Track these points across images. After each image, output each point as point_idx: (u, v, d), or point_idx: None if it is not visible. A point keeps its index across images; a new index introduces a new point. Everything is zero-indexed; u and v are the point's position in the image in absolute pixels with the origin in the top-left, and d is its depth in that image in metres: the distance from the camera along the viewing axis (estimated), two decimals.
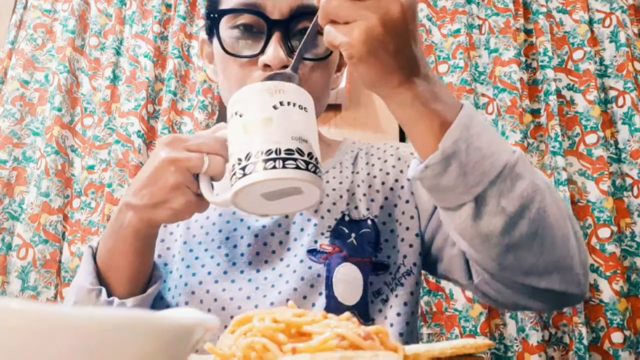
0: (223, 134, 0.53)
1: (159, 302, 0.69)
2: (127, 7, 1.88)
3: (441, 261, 0.69)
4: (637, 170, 1.54)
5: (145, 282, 0.62)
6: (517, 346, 1.42)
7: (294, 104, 0.49)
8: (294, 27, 0.64)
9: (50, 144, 1.68)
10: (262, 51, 0.63)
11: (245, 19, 0.66)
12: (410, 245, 0.69)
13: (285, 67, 0.63)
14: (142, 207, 0.54)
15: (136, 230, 0.56)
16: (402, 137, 1.67)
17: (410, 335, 0.67)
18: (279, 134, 0.47)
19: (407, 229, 0.69)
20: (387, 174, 0.73)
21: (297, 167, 0.46)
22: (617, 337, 1.38)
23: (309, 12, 0.60)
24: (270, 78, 0.57)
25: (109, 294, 0.59)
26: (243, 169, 0.47)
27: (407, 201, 0.71)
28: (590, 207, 1.51)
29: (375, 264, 0.66)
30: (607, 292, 1.43)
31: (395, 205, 0.71)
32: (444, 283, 1.49)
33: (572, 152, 1.59)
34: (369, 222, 0.69)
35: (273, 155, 0.46)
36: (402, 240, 0.69)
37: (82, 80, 1.83)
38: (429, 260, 0.71)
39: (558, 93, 1.63)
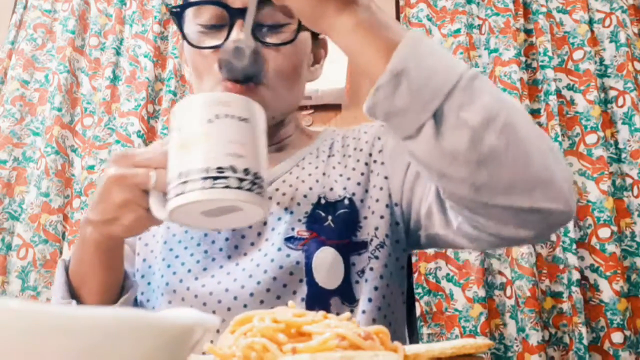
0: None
1: (145, 305, 0.69)
2: (127, 7, 1.88)
3: (421, 222, 0.67)
4: (637, 170, 1.54)
5: (117, 292, 0.62)
6: (517, 346, 1.42)
7: (232, 116, 0.46)
8: (256, 16, 0.63)
9: (50, 144, 1.68)
10: (225, 40, 0.63)
11: (208, 11, 0.66)
12: (381, 217, 0.68)
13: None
14: (97, 223, 0.54)
15: (97, 244, 0.57)
16: None
17: (387, 309, 0.66)
18: (212, 151, 0.45)
19: (377, 200, 0.68)
20: (361, 150, 0.73)
21: (227, 187, 0.44)
22: (617, 337, 1.39)
23: None
24: (228, 54, 0.58)
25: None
26: (176, 187, 0.45)
27: (378, 174, 0.70)
28: (590, 207, 1.51)
29: (355, 243, 0.66)
30: (607, 292, 1.43)
31: (369, 181, 0.70)
32: (444, 283, 1.49)
33: (572, 152, 1.59)
34: (346, 201, 0.68)
35: (203, 175, 0.44)
36: (373, 212, 0.68)
37: (82, 80, 1.83)
38: (411, 231, 0.69)
39: (558, 93, 1.63)
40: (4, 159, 1.71)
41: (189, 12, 0.68)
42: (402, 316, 0.72)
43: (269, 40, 0.65)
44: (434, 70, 0.48)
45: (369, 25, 0.49)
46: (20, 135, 1.76)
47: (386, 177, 0.70)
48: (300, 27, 0.65)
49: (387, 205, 0.68)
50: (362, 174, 0.71)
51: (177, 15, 0.67)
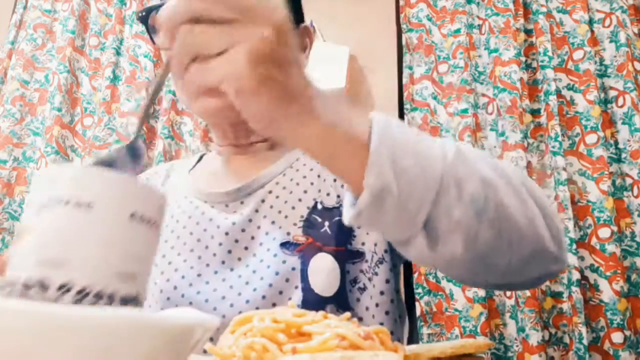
0: None
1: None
2: (127, 7, 1.88)
3: None
4: (637, 170, 1.54)
5: None
6: (517, 346, 1.42)
7: (66, 202, 0.32)
8: None
9: (50, 144, 1.68)
10: None
11: None
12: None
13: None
14: None
15: None
16: None
17: (393, 323, 0.65)
18: (24, 257, 0.31)
19: None
20: None
21: None
22: (617, 337, 1.38)
23: None
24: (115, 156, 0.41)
25: None
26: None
27: None
28: (590, 207, 1.51)
29: (350, 252, 0.64)
30: (607, 292, 1.43)
31: None
32: (444, 283, 1.49)
33: (572, 152, 1.59)
34: (341, 209, 0.66)
35: (7, 289, 0.30)
36: None
37: (82, 80, 1.83)
38: None
39: (558, 93, 1.63)
40: (4, 159, 1.71)
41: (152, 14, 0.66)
42: (411, 324, 0.71)
43: None
44: (415, 174, 0.43)
45: (332, 122, 0.42)
46: (20, 135, 1.76)
47: None
48: None
49: None
50: None
51: (144, 20, 0.66)
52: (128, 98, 1.74)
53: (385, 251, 0.66)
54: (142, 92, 0.45)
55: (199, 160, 0.80)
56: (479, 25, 1.77)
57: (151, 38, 0.67)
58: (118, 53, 1.82)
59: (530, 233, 0.48)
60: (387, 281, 0.65)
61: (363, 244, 0.66)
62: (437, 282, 1.50)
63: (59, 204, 0.32)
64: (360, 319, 0.63)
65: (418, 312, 1.46)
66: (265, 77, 0.38)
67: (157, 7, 0.65)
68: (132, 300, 0.30)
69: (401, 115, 1.72)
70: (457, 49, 1.71)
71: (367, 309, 0.63)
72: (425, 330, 1.46)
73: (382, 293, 0.64)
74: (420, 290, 1.49)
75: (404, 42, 1.78)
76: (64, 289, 0.30)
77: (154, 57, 1.79)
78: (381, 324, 0.63)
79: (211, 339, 0.56)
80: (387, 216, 0.43)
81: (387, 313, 0.65)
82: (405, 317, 0.73)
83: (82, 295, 0.29)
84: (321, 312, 0.33)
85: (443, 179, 0.43)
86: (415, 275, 1.50)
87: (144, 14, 0.65)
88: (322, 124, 0.41)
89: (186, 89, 0.65)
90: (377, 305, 0.64)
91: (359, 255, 0.65)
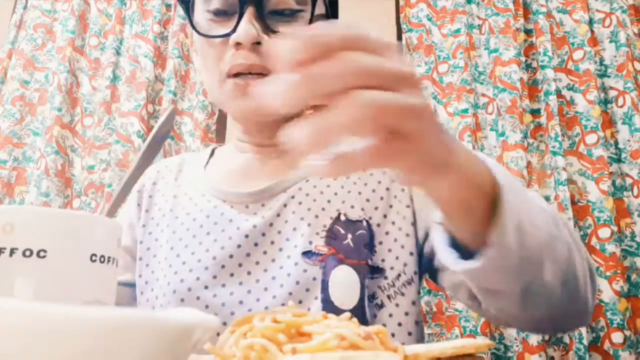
0: None
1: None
2: (127, 7, 1.88)
3: (443, 275, 0.65)
4: (637, 170, 1.54)
5: None
6: (517, 346, 1.42)
7: (25, 252, 0.29)
8: (268, 3, 0.62)
9: (50, 144, 1.68)
10: (234, 29, 0.61)
11: (217, 1, 0.64)
12: (411, 254, 0.64)
13: (258, 43, 0.59)
14: None
15: None
16: None
17: (406, 338, 0.64)
18: None
19: (407, 235, 0.65)
20: (384, 172, 0.70)
21: None
22: (617, 337, 1.38)
23: None
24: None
25: None
26: None
27: (408, 206, 0.67)
28: (590, 207, 1.51)
29: (371, 267, 0.63)
30: (607, 292, 1.43)
31: (391, 206, 0.67)
32: None
33: (572, 152, 1.59)
34: (364, 222, 0.65)
35: None
36: (403, 247, 0.65)
37: (82, 80, 1.83)
38: (432, 269, 0.67)
39: (558, 93, 1.63)
40: (4, 159, 1.71)
41: (198, 0, 0.66)
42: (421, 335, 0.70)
43: (281, 29, 0.62)
44: (532, 238, 0.42)
45: (468, 183, 0.40)
46: (20, 135, 1.76)
47: (414, 212, 0.67)
48: (314, 15, 0.63)
49: (416, 242, 0.65)
50: (382, 198, 0.67)
51: (186, 2, 0.65)
52: (128, 98, 1.74)
53: (415, 273, 0.65)
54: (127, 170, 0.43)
55: (211, 155, 0.78)
56: (479, 25, 1.77)
57: (191, 22, 0.65)
58: (118, 53, 1.82)
59: (582, 288, 0.50)
60: (414, 303, 0.64)
61: (383, 260, 0.64)
62: None
63: (12, 255, 0.29)
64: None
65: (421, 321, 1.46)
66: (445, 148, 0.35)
67: None
68: None
69: None
70: (457, 49, 1.71)
71: (385, 326, 0.61)
72: (425, 330, 1.45)
73: (406, 314, 0.63)
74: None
75: (404, 42, 1.78)
76: None
77: (154, 57, 1.79)
78: (402, 344, 0.63)
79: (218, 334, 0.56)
80: (496, 276, 0.43)
81: (409, 334, 0.63)
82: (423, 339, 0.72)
83: None
84: (321, 312, 0.33)
85: (549, 246, 0.44)
86: None
87: None
88: (458, 176, 0.38)
89: (229, 90, 0.63)
90: (399, 324, 0.62)
91: (379, 271, 0.63)
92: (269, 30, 0.60)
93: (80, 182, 1.68)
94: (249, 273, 0.62)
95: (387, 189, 0.68)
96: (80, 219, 0.31)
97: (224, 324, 0.59)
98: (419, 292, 0.66)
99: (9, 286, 0.29)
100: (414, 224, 0.66)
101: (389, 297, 0.63)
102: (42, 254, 0.29)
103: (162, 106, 1.74)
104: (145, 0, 1.88)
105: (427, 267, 0.67)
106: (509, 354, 1.43)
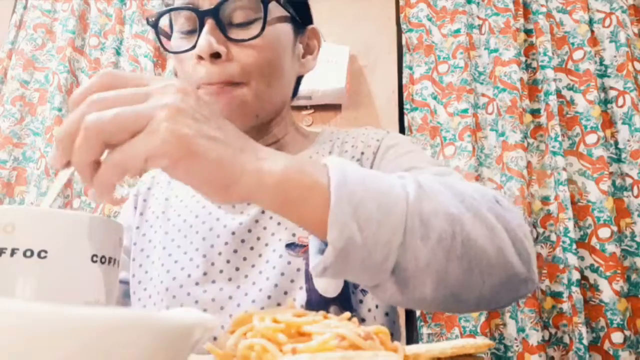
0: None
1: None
2: (127, 7, 1.88)
3: None
4: (637, 170, 1.54)
5: None
6: (517, 346, 1.42)
7: (26, 253, 0.30)
8: (225, 12, 0.63)
9: (50, 144, 1.68)
10: (196, 42, 0.62)
11: (181, 17, 0.66)
12: None
13: (217, 54, 0.61)
14: None
15: None
16: None
17: (392, 325, 0.66)
18: None
19: None
20: (358, 160, 0.72)
21: None
22: (617, 337, 1.38)
23: None
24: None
25: None
26: None
27: None
28: (590, 207, 1.51)
29: None
30: (607, 292, 1.43)
31: None
32: None
33: (572, 152, 1.59)
34: None
35: None
36: None
37: (82, 80, 1.83)
38: None
39: (558, 93, 1.63)
40: (4, 159, 1.71)
41: (171, 20, 0.68)
42: (398, 328, 0.71)
43: (235, 37, 0.64)
44: (378, 222, 0.41)
45: (290, 172, 0.40)
46: (20, 135, 1.76)
47: None
48: (266, 21, 0.64)
49: None
50: None
51: (154, 25, 0.67)
52: None
53: None
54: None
55: None
56: (479, 25, 1.77)
57: (161, 43, 0.68)
58: (118, 53, 1.82)
59: (500, 262, 0.47)
60: None
61: None
62: None
63: (13, 255, 0.30)
64: (362, 320, 0.63)
65: (418, 312, 1.46)
66: (195, 139, 0.35)
67: (163, 13, 0.66)
68: None
69: (401, 115, 1.72)
70: (457, 49, 1.71)
71: (369, 310, 0.64)
72: (425, 330, 1.45)
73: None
74: None
75: (404, 42, 1.78)
76: None
77: (154, 57, 1.79)
78: (382, 324, 0.64)
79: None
80: (354, 267, 0.41)
81: (386, 314, 0.66)
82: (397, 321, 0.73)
83: None
84: (321, 312, 0.33)
85: (407, 222, 0.42)
86: None
87: (153, 19, 0.66)
88: (278, 174, 0.39)
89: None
90: (376, 306, 0.64)
91: None
92: (229, 40, 0.62)
93: (80, 182, 1.68)
94: (237, 269, 0.65)
95: None
96: (82, 220, 0.31)
97: None
98: None
99: (10, 286, 0.29)
100: None
101: None
102: (43, 254, 0.30)
103: None
104: (145, 0, 1.88)
105: None
106: (509, 354, 1.43)
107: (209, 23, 0.62)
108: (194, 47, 0.62)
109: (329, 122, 1.74)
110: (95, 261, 0.31)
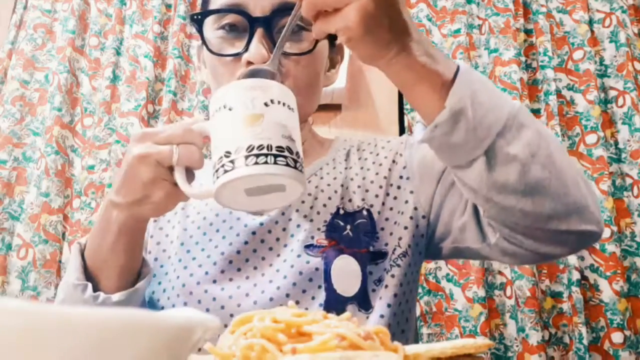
0: (200, 127, 0.53)
1: (155, 305, 0.69)
2: (127, 7, 1.88)
3: (449, 235, 0.70)
4: (637, 170, 1.54)
5: (134, 278, 0.62)
6: (517, 346, 1.42)
7: (283, 104, 0.49)
8: (276, 24, 0.65)
9: (50, 144, 1.68)
10: (246, 49, 0.64)
11: (228, 18, 0.67)
12: (405, 228, 0.69)
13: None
14: (125, 205, 0.54)
15: (123, 227, 0.57)
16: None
17: (402, 316, 0.67)
18: (271, 131, 0.47)
19: (401, 213, 0.70)
20: (380, 165, 0.75)
21: (287, 165, 0.47)
22: (617, 337, 1.38)
23: (291, 7, 0.59)
24: (251, 74, 0.57)
25: (95, 289, 0.59)
26: (232, 162, 0.47)
27: (399, 187, 0.72)
28: None
29: (373, 253, 0.67)
30: (607, 292, 1.43)
31: (388, 194, 0.72)
32: (444, 283, 1.49)
33: (572, 152, 1.59)
34: (364, 212, 0.70)
35: (265, 151, 0.46)
36: (396, 223, 0.69)
37: (82, 80, 1.83)
38: (433, 243, 0.72)
39: (558, 93, 1.63)
40: (4, 159, 1.71)
41: (209, 19, 0.69)
42: (415, 328, 0.73)
43: (288, 49, 0.66)
44: (487, 108, 0.52)
45: (422, 61, 0.52)
46: (20, 135, 1.76)
47: (412, 192, 0.71)
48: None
49: (411, 217, 0.70)
50: (381, 187, 0.72)
51: (198, 22, 0.68)
52: (128, 98, 1.74)
53: (409, 246, 0.69)
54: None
55: None
56: (479, 25, 1.77)
57: (204, 42, 0.69)
58: (118, 53, 1.82)
59: (575, 187, 0.56)
60: (405, 274, 0.68)
61: (386, 244, 0.68)
62: (437, 282, 1.49)
63: (279, 104, 0.49)
64: (381, 317, 0.64)
65: (418, 312, 1.46)
66: (371, 27, 0.47)
67: (213, 12, 0.67)
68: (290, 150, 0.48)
69: (401, 115, 1.72)
70: (457, 49, 1.71)
71: (389, 306, 0.65)
72: (425, 330, 1.45)
73: (401, 285, 0.67)
74: (420, 290, 1.48)
75: None
76: (298, 155, 0.48)
77: (154, 57, 1.79)
78: (394, 314, 0.66)
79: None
80: (457, 136, 0.52)
81: (400, 304, 0.67)
82: (415, 328, 0.75)
83: (301, 160, 0.49)
84: (321, 312, 0.33)
85: (508, 119, 0.52)
86: None
87: (199, 16, 0.68)
88: (412, 60, 0.51)
89: None
90: (395, 295, 0.66)
91: (382, 255, 0.68)
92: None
93: (80, 182, 1.68)
94: (255, 268, 0.66)
95: (385, 177, 0.73)
96: (294, 97, 0.55)
97: (231, 315, 0.63)
98: (411, 267, 0.70)
99: (283, 122, 0.49)
100: (409, 202, 0.71)
101: (385, 270, 0.67)
102: (292, 109, 0.52)
103: (162, 106, 1.74)
104: (145, 0, 1.88)
105: (431, 242, 0.72)
106: (509, 354, 1.43)
107: (260, 32, 0.64)
108: (244, 51, 0.64)
109: (329, 122, 1.74)
110: (288, 107, 0.51)
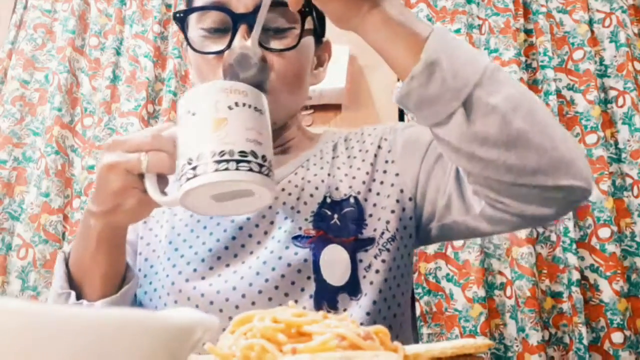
0: (170, 132, 0.52)
1: (147, 305, 0.69)
2: (127, 7, 1.88)
3: (435, 214, 0.69)
4: (637, 170, 1.54)
5: (118, 283, 0.63)
6: (517, 346, 1.42)
7: (249, 106, 0.49)
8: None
9: (50, 144, 1.68)
10: (229, 46, 0.64)
11: (211, 16, 0.67)
12: (392, 211, 0.69)
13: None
14: (100, 214, 0.54)
15: (100, 235, 0.57)
16: None
17: (393, 300, 0.67)
18: (233, 136, 0.47)
19: (387, 196, 0.70)
20: (367, 151, 0.74)
21: (250, 170, 0.46)
22: (617, 337, 1.38)
23: (274, 3, 0.60)
24: (235, 61, 0.58)
25: (79, 297, 0.60)
26: (194, 169, 0.46)
27: (385, 171, 0.72)
28: (590, 207, 1.51)
29: (362, 240, 0.67)
30: (607, 292, 1.43)
31: (374, 180, 0.71)
32: (444, 283, 1.49)
33: None
34: (352, 199, 0.69)
35: (226, 157, 0.45)
36: (383, 208, 0.69)
37: (82, 80, 1.83)
38: (423, 225, 0.71)
39: (558, 93, 1.63)
40: (4, 159, 1.71)
41: (192, 17, 0.69)
42: (409, 314, 0.72)
43: (272, 45, 0.66)
44: (463, 61, 0.52)
45: (397, 20, 0.53)
46: (20, 135, 1.76)
47: (397, 174, 0.71)
48: (303, 32, 0.66)
49: (397, 200, 0.69)
50: (367, 173, 0.72)
51: (181, 20, 0.68)
52: (128, 98, 1.74)
53: (397, 229, 0.68)
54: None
55: None
56: (479, 25, 1.77)
57: (187, 40, 0.69)
58: (118, 53, 1.82)
59: (561, 142, 0.54)
60: (394, 259, 0.68)
61: (374, 230, 0.68)
62: (437, 282, 1.49)
63: (244, 106, 0.48)
64: (374, 303, 0.64)
65: (418, 312, 1.46)
66: None
67: (195, 9, 0.67)
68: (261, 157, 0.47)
69: (401, 115, 1.73)
70: None
71: (380, 291, 0.65)
72: (425, 330, 1.45)
73: (390, 269, 0.66)
74: (420, 290, 1.49)
75: None
76: (264, 158, 0.48)
77: (154, 57, 1.79)
78: (385, 299, 0.66)
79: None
80: (434, 87, 0.51)
81: (390, 288, 0.67)
82: (409, 315, 0.74)
83: (269, 164, 0.48)
84: (321, 312, 0.33)
85: (486, 72, 0.52)
86: (415, 275, 1.50)
87: (182, 14, 0.67)
88: (386, 18, 0.52)
89: None
90: (385, 280, 0.66)
91: (370, 242, 0.67)
92: (261, 47, 0.64)
93: (80, 182, 1.68)
94: (243, 262, 0.66)
95: (371, 164, 0.73)
96: (263, 96, 0.55)
97: (220, 310, 0.63)
98: (400, 250, 0.69)
99: (247, 125, 0.49)
100: (395, 185, 0.71)
101: (375, 256, 0.66)
102: (260, 111, 0.50)
103: (162, 106, 1.74)
104: (145, 0, 1.88)
105: (420, 225, 0.71)
106: (509, 354, 1.43)
107: (243, 28, 0.63)
108: (226, 48, 0.64)
109: (329, 122, 1.74)
110: (257, 110, 0.51)
